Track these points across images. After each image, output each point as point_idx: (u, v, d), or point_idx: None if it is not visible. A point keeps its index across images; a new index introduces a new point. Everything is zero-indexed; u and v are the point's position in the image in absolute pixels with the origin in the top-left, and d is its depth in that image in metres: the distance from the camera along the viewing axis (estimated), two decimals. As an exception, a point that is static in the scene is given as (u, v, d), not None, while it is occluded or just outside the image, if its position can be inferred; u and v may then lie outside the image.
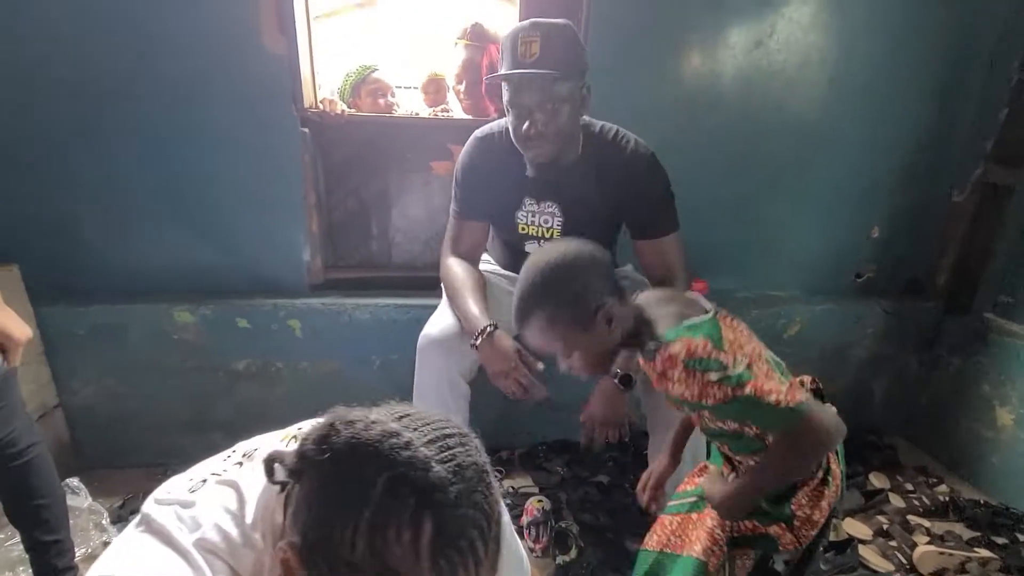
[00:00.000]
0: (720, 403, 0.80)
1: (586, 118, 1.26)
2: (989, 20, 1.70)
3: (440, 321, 1.31)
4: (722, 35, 1.63)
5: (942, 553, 1.42)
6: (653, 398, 1.27)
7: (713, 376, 0.78)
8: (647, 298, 0.92)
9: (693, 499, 1.03)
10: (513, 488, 1.64)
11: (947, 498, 1.66)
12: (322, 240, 1.77)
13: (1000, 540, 1.52)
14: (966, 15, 1.68)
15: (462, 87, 1.71)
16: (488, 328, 1.20)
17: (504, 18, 1.79)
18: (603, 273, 0.85)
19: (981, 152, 1.78)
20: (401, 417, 0.52)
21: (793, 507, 0.90)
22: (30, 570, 1.15)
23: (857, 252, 1.96)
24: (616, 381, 1.19)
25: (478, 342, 1.20)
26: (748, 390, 0.77)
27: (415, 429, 0.51)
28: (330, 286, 1.77)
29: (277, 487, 0.57)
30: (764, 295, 1.92)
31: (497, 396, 1.29)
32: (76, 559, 1.20)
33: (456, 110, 1.81)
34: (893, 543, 1.49)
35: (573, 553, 1.41)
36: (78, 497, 1.38)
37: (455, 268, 1.34)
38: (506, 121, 1.24)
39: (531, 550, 1.42)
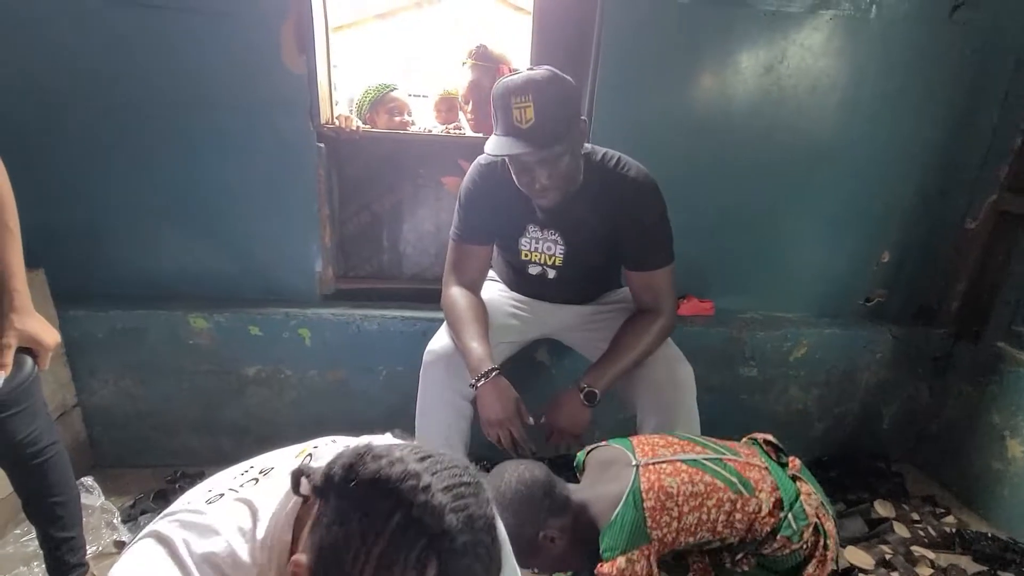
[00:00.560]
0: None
1: (588, 146, 1.26)
2: (1004, 46, 1.69)
3: (445, 338, 1.33)
4: (732, 60, 1.65)
5: (946, 586, 1.40)
6: (635, 392, 1.29)
7: (641, 565, 0.90)
8: (585, 487, 1.02)
9: None
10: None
11: (954, 530, 1.63)
12: (334, 251, 1.82)
13: (1007, 575, 1.49)
14: (980, 41, 1.68)
15: (469, 107, 1.75)
16: (491, 372, 1.19)
17: (518, 29, 1.83)
18: (537, 501, 0.94)
19: (995, 179, 1.77)
20: (423, 459, 0.55)
21: None
22: (43, 564, 1.19)
23: (867, 276, 1.95)
24: (581, 396, 1.20)
25: (479, 385, 1.19)
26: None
27: (434, 473, 0.54)
28: (341, 296, 1.81)
29: (289, 507, 0.61)
30: (771, 316, 1.92)
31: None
32: (87, 556, 1.25)
33: (467, 127, 1.85)
34: (896, 574, 1.47)
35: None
36: (91, 495, 1.43)
37: (458, 299, 1.31)
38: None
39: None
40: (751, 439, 1.13)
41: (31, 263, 1.52)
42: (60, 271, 1.54)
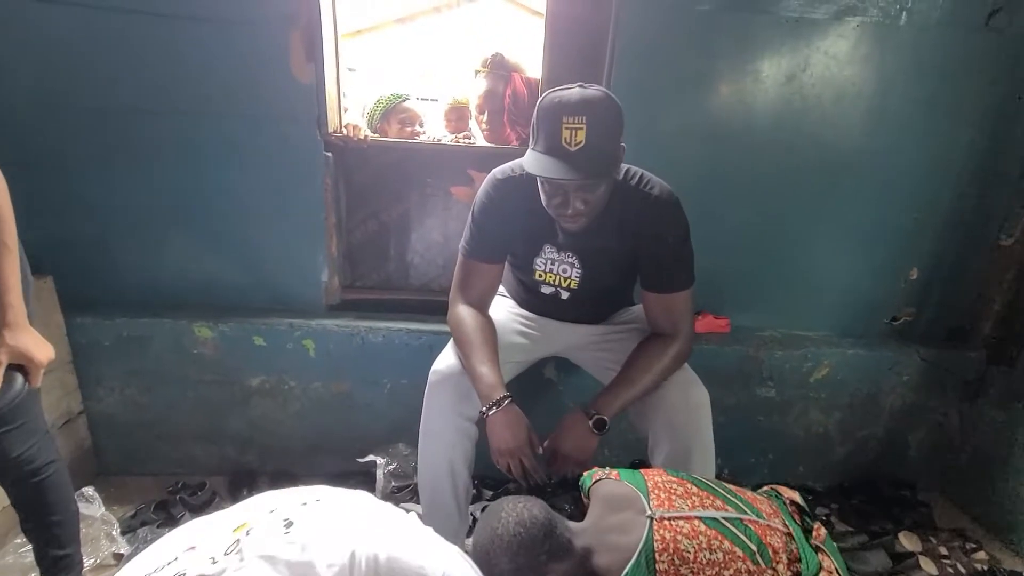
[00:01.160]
0: None
1: None
2: (1044, 55, 1.60)
3: (451, 357, 1.27)
4: (752, 68, 1.58)
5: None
6: (647, 416, 1.23)
7: None
8: (590, 530, 0.94)
9: None
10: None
11: (986, 567, 1.53)
12: (341, 261, 1.79)
13: (1044, 619, 1.39)
14: (1017, 48, 1.59)
15: (484, 116, 1.71)
16: (503, 400, 1.14)
17: (531, 35, 1.78)
18: (536, 544, 0.87)
19: (1033, 194, 1.67)
20: None
21: None
22: (40, 578, 1.18)
23: (894, 294, 1.85)
24: (590, 423, 1.14)
25: (490, 413, 1.14)
26: None
27: None
28: (347, 306, 1.79)
29: None
30: (791, 334, 1.84)
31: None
32: (86, 569, 1.24)
33: (478, 137, 1.81)
34: (922, 614, 1.38)
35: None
36: (92, 506, 1.43)
37: (466, 319, 1.24)
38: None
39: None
40: (774, 492, 1.05)
41: (39, 271, 1.53)
42: (68, 279, 1.55)
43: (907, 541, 1.62)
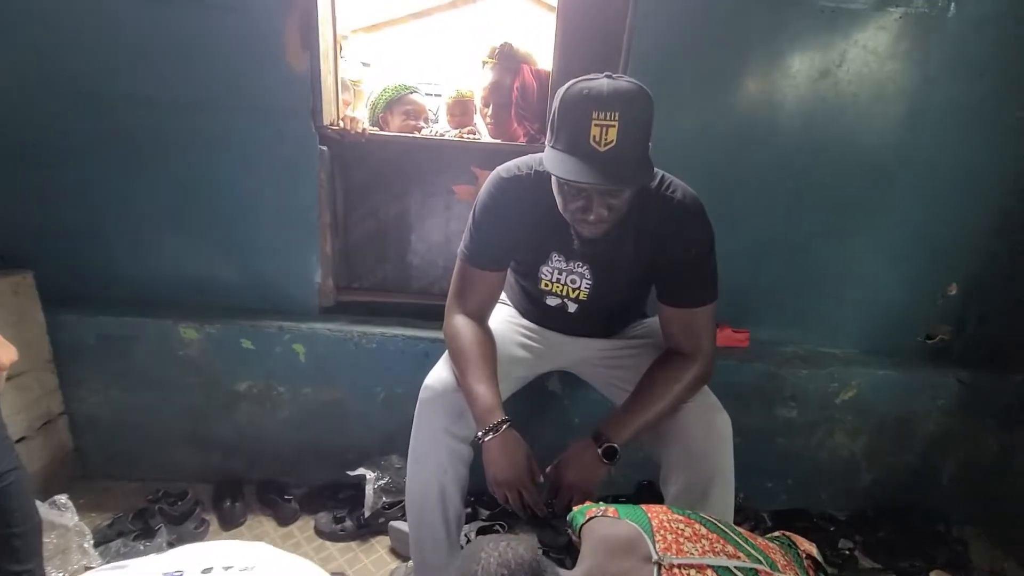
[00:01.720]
0: None
1: None
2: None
3: (445, 372, 1.16)
4: (782, 62, 1.46)
5: None
6: (662, 441, 1.11)
7: None
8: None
9: None
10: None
11: (1028, 615, 1.39)
12: (336, 261, 1.70)
13: None
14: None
15: (489, 110, 1.61)
16: (501, 424, 1.04)
17: (547, 30, 1.67)
18: None
19: (1090, 206, 1.52)
20: None
21: None
22: (-1, 595, 1.11)
23: (929, 310, 1.71)
24: (599, 451, 1.03)
25: (486, 440, 1.04)
26: None
27: None
28: (341, 309, 1.70)
29: None
30: (816, 352, 1.71)
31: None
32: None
33: (483, 132, 1.71)
34: (958, 668, 1.25)
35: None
36: (65, 515, 1.34)
37: (463, 332, 1.13)
38: (534, 161, 1.08)
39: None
40: (787, 539, 0.93)
41: (19, 264, 1.47)
42: (50, 273, 1.48)
43: (940, 582, 1.49)
